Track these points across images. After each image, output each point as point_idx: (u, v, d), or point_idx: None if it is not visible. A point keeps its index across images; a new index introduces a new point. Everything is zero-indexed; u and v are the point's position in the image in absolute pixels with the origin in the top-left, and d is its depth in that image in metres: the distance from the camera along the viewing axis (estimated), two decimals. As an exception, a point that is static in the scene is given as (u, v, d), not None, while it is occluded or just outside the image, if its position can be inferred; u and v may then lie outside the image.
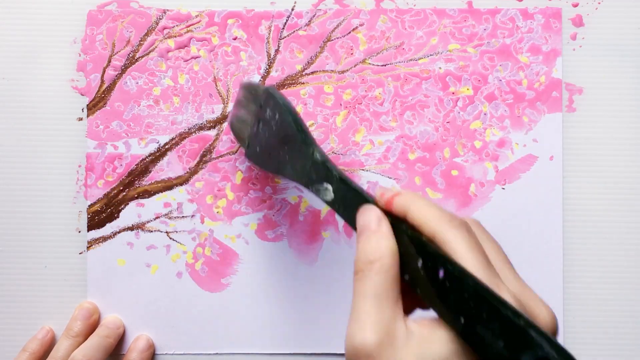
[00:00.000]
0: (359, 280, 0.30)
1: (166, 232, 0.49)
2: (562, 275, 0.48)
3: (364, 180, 0.48)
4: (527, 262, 0.48)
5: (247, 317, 0.48)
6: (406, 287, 0.30)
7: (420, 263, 0.29)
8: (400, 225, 0.31)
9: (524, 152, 0.48)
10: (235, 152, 0.49)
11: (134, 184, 0.49)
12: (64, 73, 0.48)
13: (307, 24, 0.49)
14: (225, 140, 0.49)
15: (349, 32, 0.49)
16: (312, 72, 0.49)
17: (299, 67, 0.49)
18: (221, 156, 0.49)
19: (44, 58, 0.48)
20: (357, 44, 0.48)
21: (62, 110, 0.48)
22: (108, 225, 0.48)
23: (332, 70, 0.49)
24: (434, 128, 0.48)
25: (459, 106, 0.48)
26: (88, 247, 0.48)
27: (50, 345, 0.48)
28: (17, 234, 0.49)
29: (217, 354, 0.49)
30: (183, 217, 0.49)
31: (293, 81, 0.49)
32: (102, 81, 0.48)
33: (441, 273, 0.28)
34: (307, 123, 0.48)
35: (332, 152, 0.48)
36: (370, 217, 0.32)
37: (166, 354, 0.48)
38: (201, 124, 0.49)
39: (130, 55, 0.48)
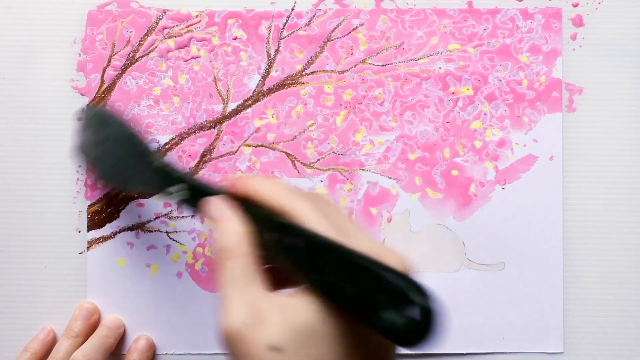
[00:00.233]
0: (218, 271, 0.31)
1: (166, 232, 0.49)
2: (562, 275, 0.48)
3: (364, 180, 0.48)
4: (527, 262, 0.48)
5: (247, 317, 0.48)
6: (270, 263, 0.32)
7: (277, 237, 0.31)
8: (253, 208, 0.32)
9: (524, 152, 0.48)
10: (235, 152, 0.49)
11: (134, 184, 0.49)
12: (64, 73, 0.48)
13: (307, 24, 0.49)
14: (225, 140, 0.49)
15: (349, 32, 0.49)
16: (312, 72, 0.49)
17: (299, 67, 0.49)
18: (221, 156, 0.49)
19: (44, 58, 0.48)
20: (357, 44, 0.48)
21: (62, 110, 0.48)
22: (108, 225, 0.48)
23: (332, 70, 0.49)
24: (434, 128, 0.48)
25: (459, 106, 0.48)
26: (88, 247, 0.48)
27: (51, 345, 0.48)
28: (17, 234, 0.49)
29: (217, 354, 0.49)
30: (183, 217, 0.49)
31: (293, 81, 0.49)
32: (102, 81, 0.48)
33: (299, 241, 0.30)
34: (307, 123, 0.48)
35: (332, 152, 0.48)
36: (212, 208, 0.34)
37: (166, 353, 0.48)
38: (201, 124, 0.49)
39: (130, 55, 0.48)
